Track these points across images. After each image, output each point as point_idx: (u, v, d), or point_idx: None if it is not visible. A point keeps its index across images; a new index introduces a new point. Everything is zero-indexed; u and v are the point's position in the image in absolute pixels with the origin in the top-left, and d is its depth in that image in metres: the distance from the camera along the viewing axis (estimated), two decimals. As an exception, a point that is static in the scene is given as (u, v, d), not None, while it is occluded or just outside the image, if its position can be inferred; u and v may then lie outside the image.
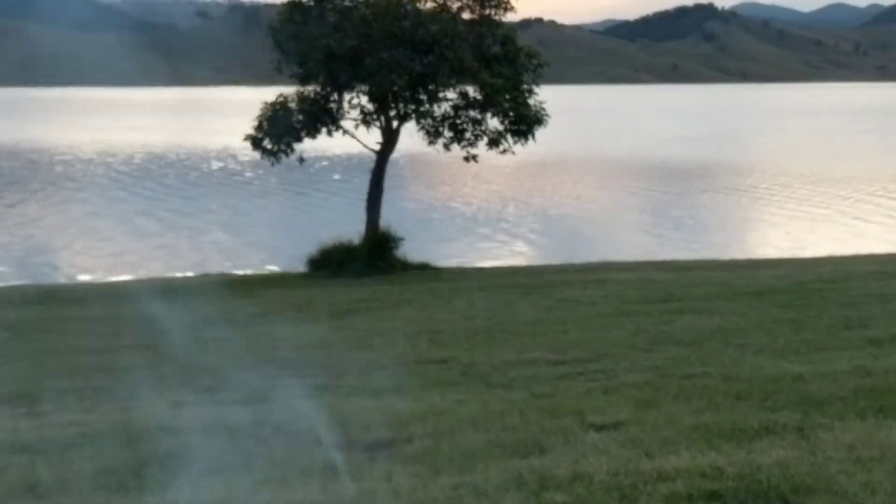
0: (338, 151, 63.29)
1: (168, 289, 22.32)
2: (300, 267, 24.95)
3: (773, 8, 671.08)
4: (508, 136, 24.57)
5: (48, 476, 6.21)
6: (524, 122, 24.33)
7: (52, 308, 19.25)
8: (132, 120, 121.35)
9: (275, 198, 46.28)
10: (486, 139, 24.72)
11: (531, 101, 24.49)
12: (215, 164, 63.92)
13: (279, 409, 7.76)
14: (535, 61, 24.86)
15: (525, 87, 24.59)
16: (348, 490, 5.74)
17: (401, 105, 24.45)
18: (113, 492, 5.98)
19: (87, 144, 78.94)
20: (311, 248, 25.00)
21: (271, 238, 35.09)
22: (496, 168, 54.94)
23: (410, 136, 25.10)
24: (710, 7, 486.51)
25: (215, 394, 9.14)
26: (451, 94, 24.73)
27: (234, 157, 66.10)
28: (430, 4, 24.26)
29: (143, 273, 28.08)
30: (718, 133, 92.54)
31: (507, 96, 24.20)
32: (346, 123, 24.46)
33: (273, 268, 27.90)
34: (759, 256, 28.29)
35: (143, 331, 14.91)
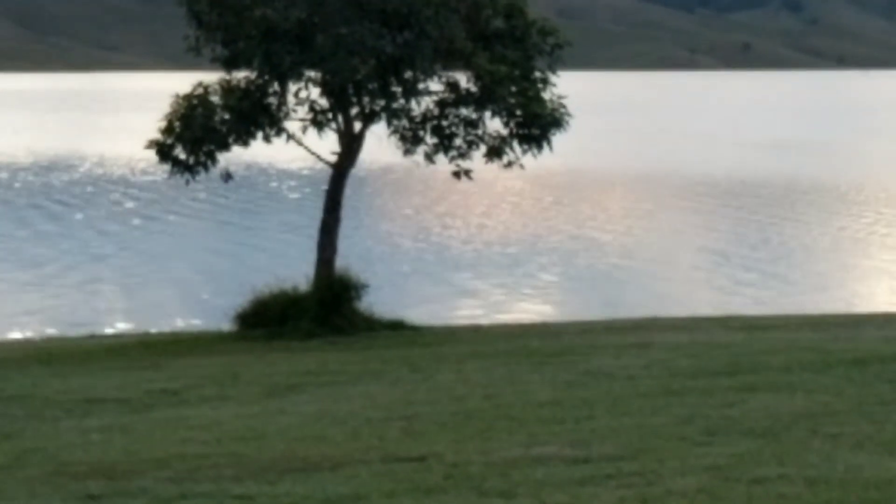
0: (279, 163, 63.53)
1: (39, 356, 22.28)
2: (225, 324, 24.94)
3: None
4: (515, 144, 24.64)
5: None
6: (536, 125, 24.42)
7: None
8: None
9: (189, 227, 46.32)
10: (483, 147, 24.82)
11: (546, 95, 24.60)
12: (102, 179, 64.00)
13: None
14: (551, 40, 25.00)
15: (538, 75, 24.71)
16: None
17: (366, 100, 24.52)
18: None
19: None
20: (240, 297, 25.01)
21: (185, 284, 35.08)
22: (498, 186, 55.11)
23: (379, 143, 25.18)
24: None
25: (101, 504, 9.17)
26: (436, 86, 24.84)
27: (130, 169, 66.19)
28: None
29: (4, 334, 28.01)
30: (809, 138, 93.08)
31: (514, 88, 24.31)
32: (292, 125, 24.53)
33: (187, 326, 27.87)
34: (861, 311, 28.39)
35: (0, 415, 14.93)
